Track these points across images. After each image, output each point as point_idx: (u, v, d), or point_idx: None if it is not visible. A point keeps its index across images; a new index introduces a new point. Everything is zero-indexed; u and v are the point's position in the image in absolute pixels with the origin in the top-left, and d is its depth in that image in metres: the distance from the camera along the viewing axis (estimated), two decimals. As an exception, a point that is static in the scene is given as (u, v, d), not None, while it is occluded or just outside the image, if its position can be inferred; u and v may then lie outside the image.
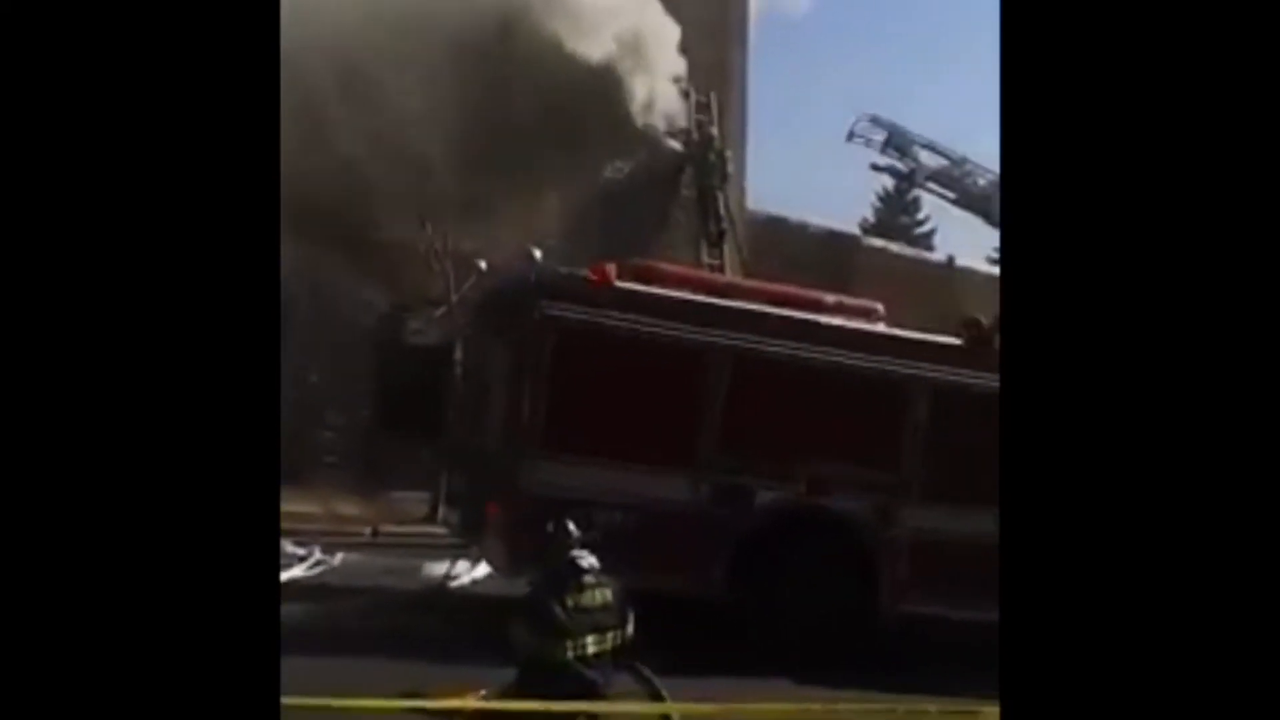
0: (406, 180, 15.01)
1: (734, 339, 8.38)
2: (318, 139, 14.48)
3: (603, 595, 5.45)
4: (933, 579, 8.46)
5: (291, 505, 13.05)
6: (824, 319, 8.88)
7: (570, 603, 5.33)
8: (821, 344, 8.61)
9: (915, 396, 8.75)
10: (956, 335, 9.33)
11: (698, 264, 17.14)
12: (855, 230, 24.58)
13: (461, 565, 10.43)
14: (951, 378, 8.82)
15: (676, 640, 8.25)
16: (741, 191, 20.30)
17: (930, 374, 8.79)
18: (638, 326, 8.12)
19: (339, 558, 11.72)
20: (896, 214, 35.24)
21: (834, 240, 20.90)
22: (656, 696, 7.01)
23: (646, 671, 7.44)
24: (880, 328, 9.26)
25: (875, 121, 22.23)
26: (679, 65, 18.22)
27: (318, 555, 11.55)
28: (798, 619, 8.21)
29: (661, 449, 8.15)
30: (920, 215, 34.53)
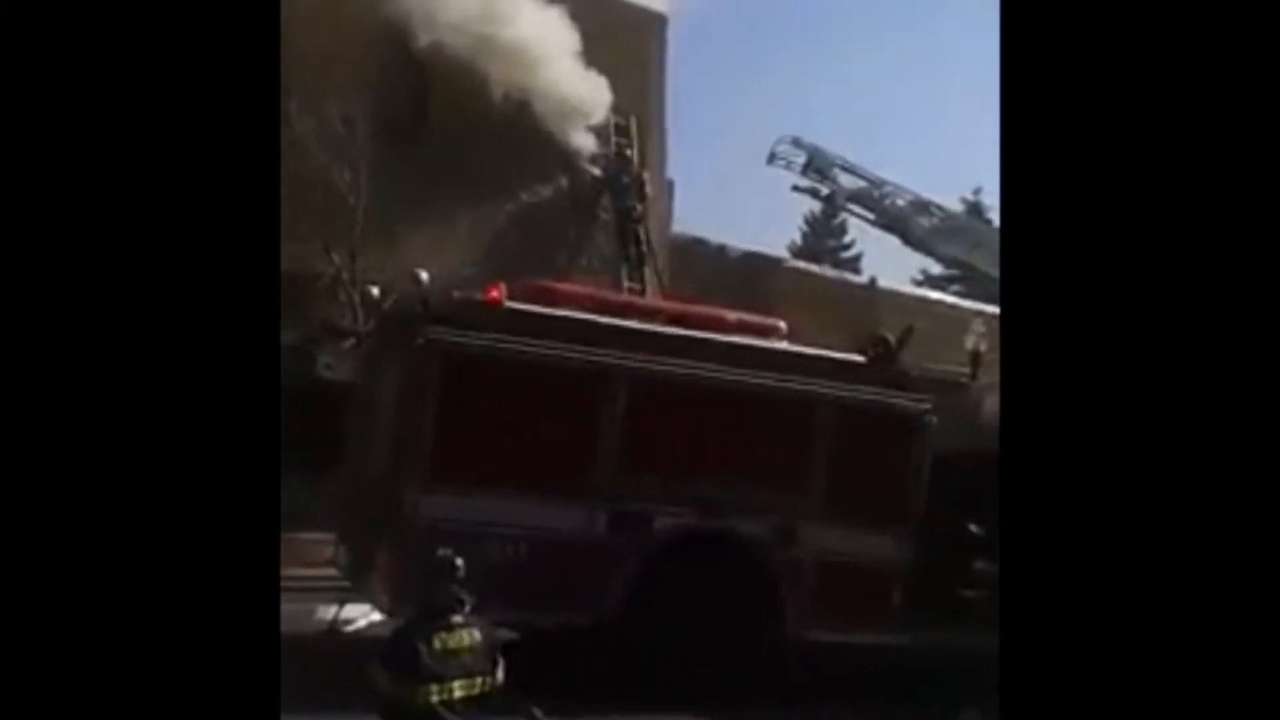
0: (311, 206, 14.66)
1: (629, 359, 8.12)
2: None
3: (471, 636, 5.12)
4: (837, 604, 8.24)
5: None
6: (723, 337, 8.66)
7: (437, 645, 4.99)
8: (721, 362, 8.39)
9: (818, 415, 8.57)
10: (861, 352, 9.19)
11: (617, 287, 16.95)
12: (777, 252, 24.57)
13: (357, 608, 10.01)
14: (855, 395, 8.64)
15: (572, 675, 7.97)
16: (663, 214, 20.18)
17: (833, 392, 8.60)
18: (528, 348, 7.83)
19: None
20: (822, 236, 35.45)
21: (754, 262, 20.83)
22: None
23: (539, 715, 7.15)
24: (783, 345, 9.07)
25: (796, 144, 22.25)
26: (597, 89, 18.12)
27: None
28: (698, 649, 7.93)
29: (555, 475, 7.85)
30: (846, 239, 34.77)
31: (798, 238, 36.20)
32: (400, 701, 4.93)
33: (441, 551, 5.27)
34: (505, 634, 8.94)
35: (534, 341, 7.82)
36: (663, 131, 20.24)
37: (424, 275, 8.06)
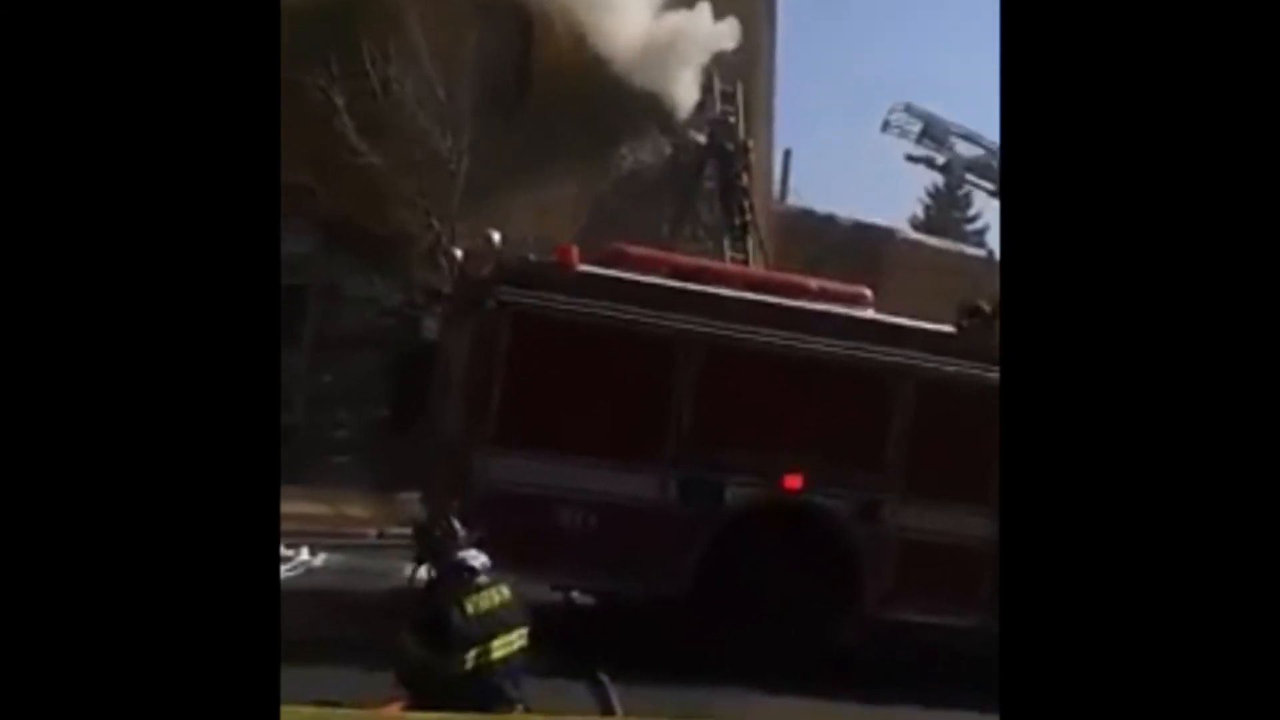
0: (412, 170, 14.87)
1: (705, 326, 7.97)
2: (322, 128, 14.38)
3: (500, 595, 5.09)
4: (918, 583, 7.98)
5: (299, 506, 12.91)
6: (804, 304, 8.42)
7: (470, 608, 4.97)
8: (801, 331, 8.16)
9: (903, 387, 8.27)
10: (956, 323, 8.84)
11: (720, 258, 16.74)
12: (895, 224, 24.00)
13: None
14: (943, 368, 8.32)
15: (640, 646, 7.91)
16: (769, 184, 19.88)
17: (920, 363, 8.29)
18: (602, 313, 7.75)
19: (321, 558, 11.52)
20: (946, 208, 34.49)
21: (864, 233, 20.36)
22: (608, 710, 6.65)
23: (605, 680, 7.11)
24: (868, 314, 8.80)
25: (910, 111, 21.63)
26: (704, 55, 17.87)
27: (302, 557, 11.35)
28: (771, 625, 7.77)
29: (626, 443, 7.76)
30: (971, 211, 33.78)
31: (919, 210, 35.36)
32: (438, 670, 4.92)
33: (445, 516, 5.24)
34: (580, 599, 9.00)
35: (606, 305, 7.73)
36: (770, 99, 19.94)
37: (496, 236, 8.04)
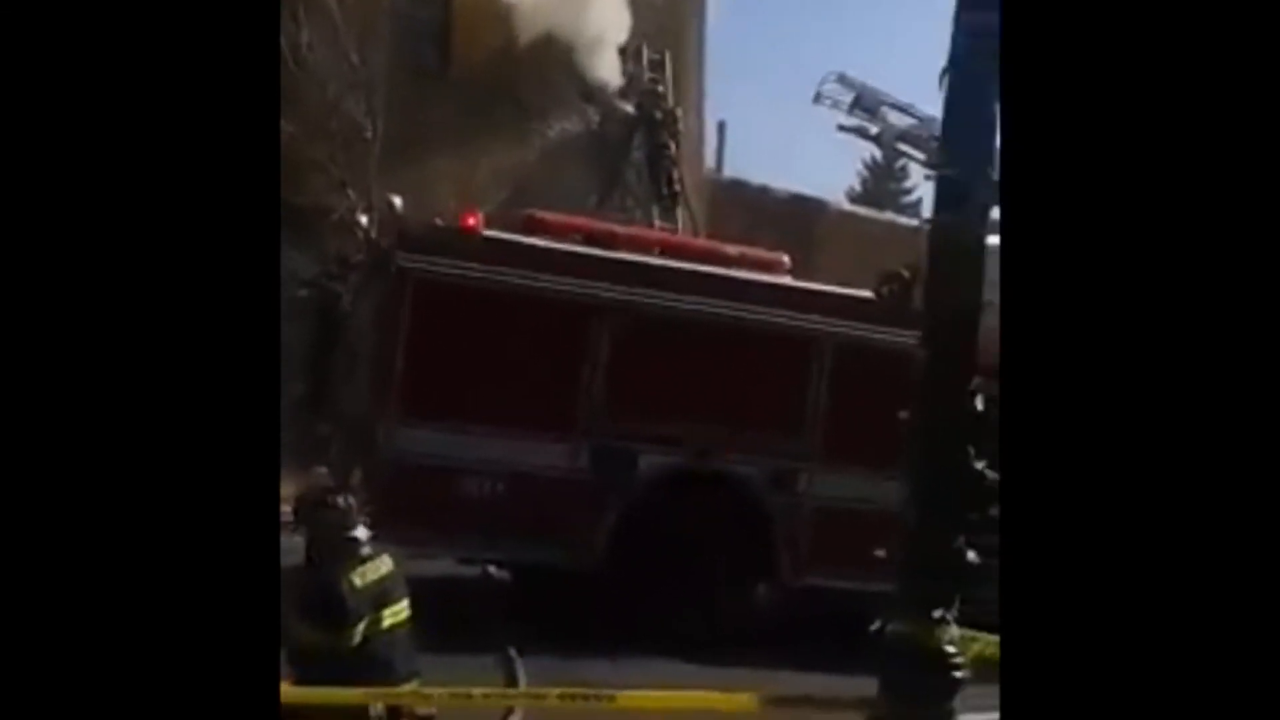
0: (326, 140, 14.55)
1: (618, 292, 7.85)
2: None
3: (385, 564, 4.95)
4: (832, 549, 7.96)
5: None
6: (719, 270, 8.35)
7: (357, 581, 4.83)
8: (717, 297, 8.09)
9: (820, 353, 8.24)
10: (876, 289, 8.81)
11: (649, 227, 16.60)
12: (832, 196, 24.01)
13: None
14: (860, 334, 8.29)
15: (553, 618, 7.82)
16: (699, 153, 19.77)
17: (837, 329, 8.26)
18: (508, 279, 7.61)
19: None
20: (883, 180, 34.66)
21: (798, 204, 20.33)
22: (512, 683, 6.54)
23: (513, 654, 7.00)
24: (785, 281, 8.74)
25: (843, 81, 21.54)
26: (631, 23, 17.67)
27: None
28: (686, 593, 7.71)
29: (536, 411, 7.65)
30: (909, 182, 33.97)
31: (855, 182, 35.49)
32: (327, 648, 4.77)
33: (324, 490, 5.10)
34: (494, 572, 8.89)
35: (513, 271, 7.59)
36: (701, 67, 19.79)
37: (398, 201, 7.85)
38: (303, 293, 15.44)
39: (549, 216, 8.45)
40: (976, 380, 4.13)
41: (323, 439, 9.85)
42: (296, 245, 15.43)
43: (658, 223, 17.17)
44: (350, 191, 14.90)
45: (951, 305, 4.16)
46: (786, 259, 8.97)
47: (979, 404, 4.10)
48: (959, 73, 4.05)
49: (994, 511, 3.62)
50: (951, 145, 4.25)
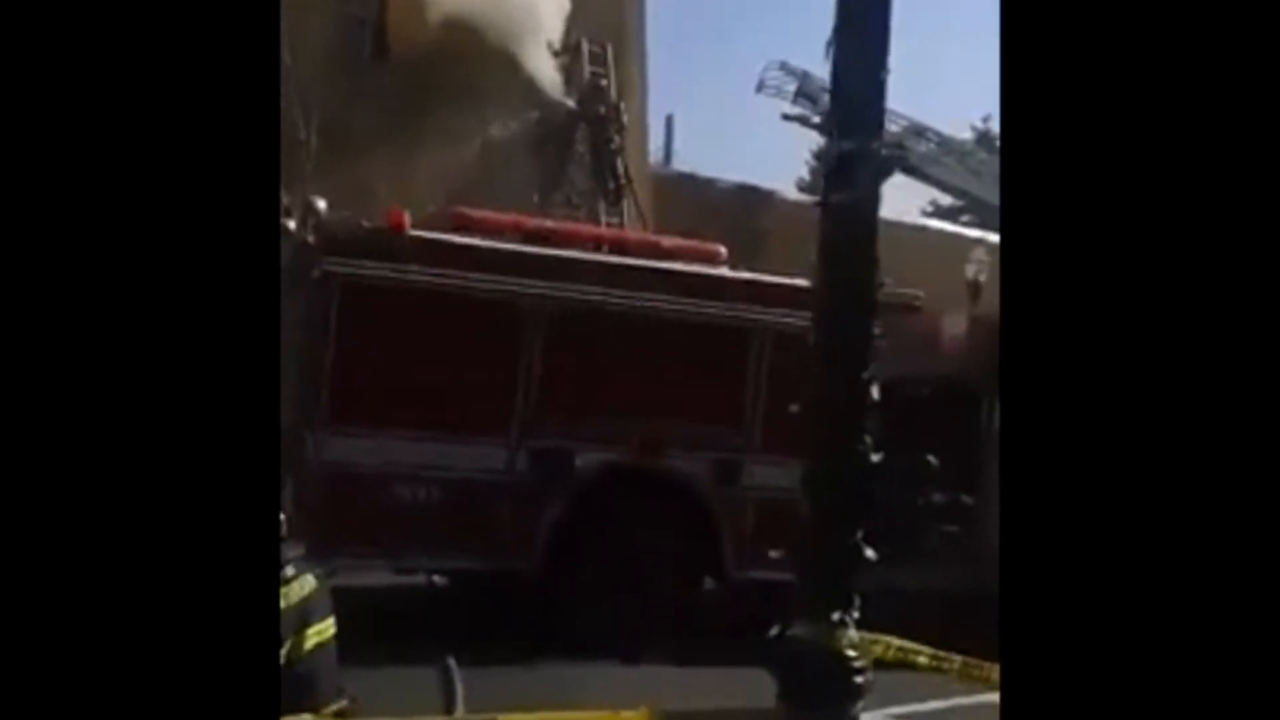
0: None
1: (549, 289, 7.74)
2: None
3: (306, 584, 4.80)
4: (771, 543, 7.88)
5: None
6: (652, 263, 8.25)
7: (281, 602, 4.68)
8: (652, 290, 8.00)
9: (757, 344, 8.16)
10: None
11: (594, 223, 16.49)
12: (782, 187, 23.98)
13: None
14: (801, 323, 8.21)
15: (492, 626, 7.69)
16: (644, 147, 19.67)
17: (775, 320, 8.18)
18: (435, 279, 7.47)
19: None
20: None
21: (746, 195, 20.28)
22: (450, 705, 6.38)
23: (451, 665, 6.86)
24: (720, 271, 8.65)
25: (785, 69, 21.58)
26: (571, 16, 17.54)
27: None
28: (628, 593, 7.61)
29: (469, 413, 7.52)
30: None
31: (805, 171, 35.50)
32: None
33: None
34: (437, 580, 8.74)
35: (438, 270, 7.45)
36: (643, 60, 19.69)
37: (321, 204, 7.69)
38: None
39: (476, 214, 8.32)
40: (873, 366, 4.05)
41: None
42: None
43: (604, 219, 17.06)
44: (284, 194, 14.67)
45: (843, 287, 4.07)
46: (723, 250, 8.88)
47: (874, 392, 4.01)
48: (845, 36, 4.00)
49: (896, 504, 3.51)
50: (840, 117, 4.19)
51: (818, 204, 4.24)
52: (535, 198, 17.13)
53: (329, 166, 14.74)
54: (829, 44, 4.01)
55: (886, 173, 4.00)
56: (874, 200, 4.05)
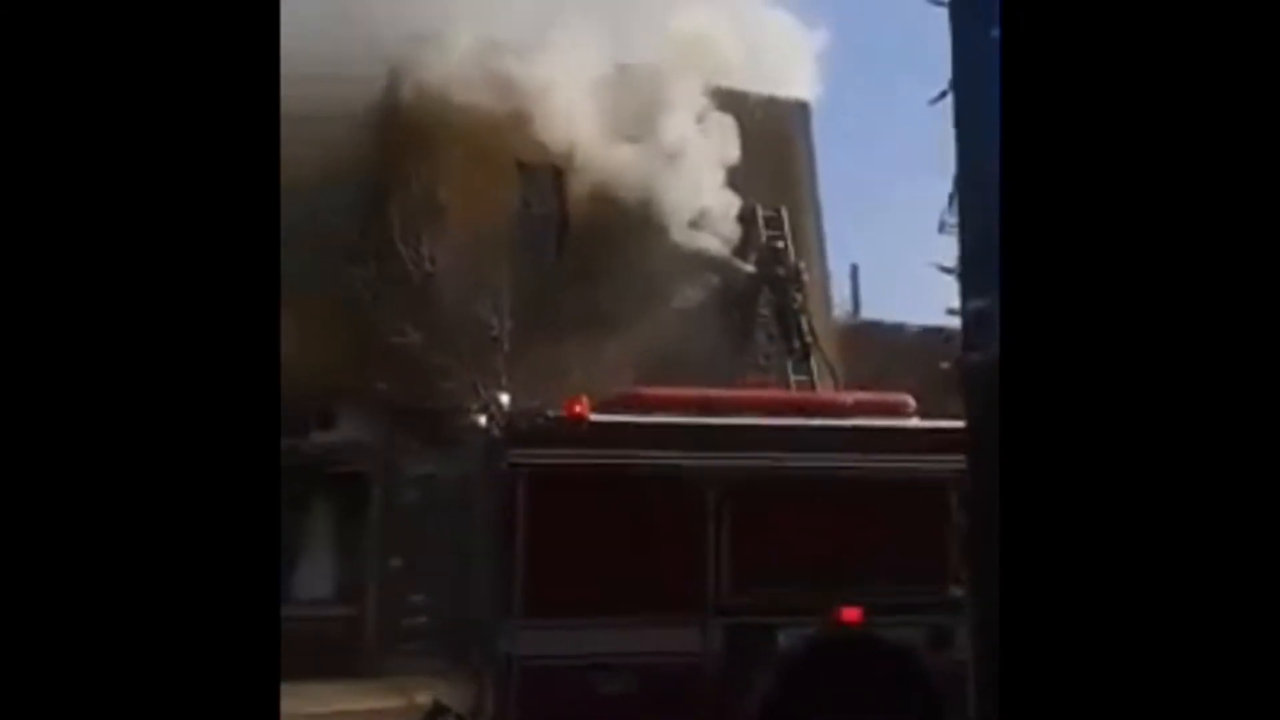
0: (455, 341, 15.02)
1: (731, 459, 7.63)
2: (361, 319, 14.67)
3: None
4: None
5: (372, 700, 12.59)
6: (834, 422, 8.06)
7: None
8: (836, 450, 7.80)
9: (957, 496, 7.76)
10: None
11: (784, 383, 16.37)
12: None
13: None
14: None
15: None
16: (827, 302, 19.58)
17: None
18: (618, 461, 7.49)
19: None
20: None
21: (931, 338, 19.78)
22: None
23: None
24: (912, 423, 8.36)
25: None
26: (743, 182, 17.90)
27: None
28: (845, 773, 7.16)
29: (662, 595, 7.39)
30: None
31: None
32: None
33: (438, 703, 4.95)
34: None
35: (620, 453, 7.48)
36: (819, 214, 19.81)
37: (505, 398, 7.91)
38: (449, 495, 15.71)
39: (651, 392, 8.38)
40: None
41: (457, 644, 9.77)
42: (438, 449, 15.84)
43: (792, 377, 16.93)
44: (481, 390, 15.21)
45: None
46: (910, 400, 8.60)
47: None
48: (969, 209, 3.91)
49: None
50: (969, 280, 4.15)
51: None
52: (724, 364, 17.24)
53: (525, 359, 15.26)
54: (942, 221, 3.98)
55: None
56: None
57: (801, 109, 19.59)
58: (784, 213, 18.19)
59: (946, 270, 4.32)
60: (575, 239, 16.97)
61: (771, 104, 18.73)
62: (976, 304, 4.01)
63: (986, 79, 3.72)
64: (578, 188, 17.07)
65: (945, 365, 4.29)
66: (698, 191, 17.61)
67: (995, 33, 3.59)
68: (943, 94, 4.33)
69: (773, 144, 18.42)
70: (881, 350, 18.97)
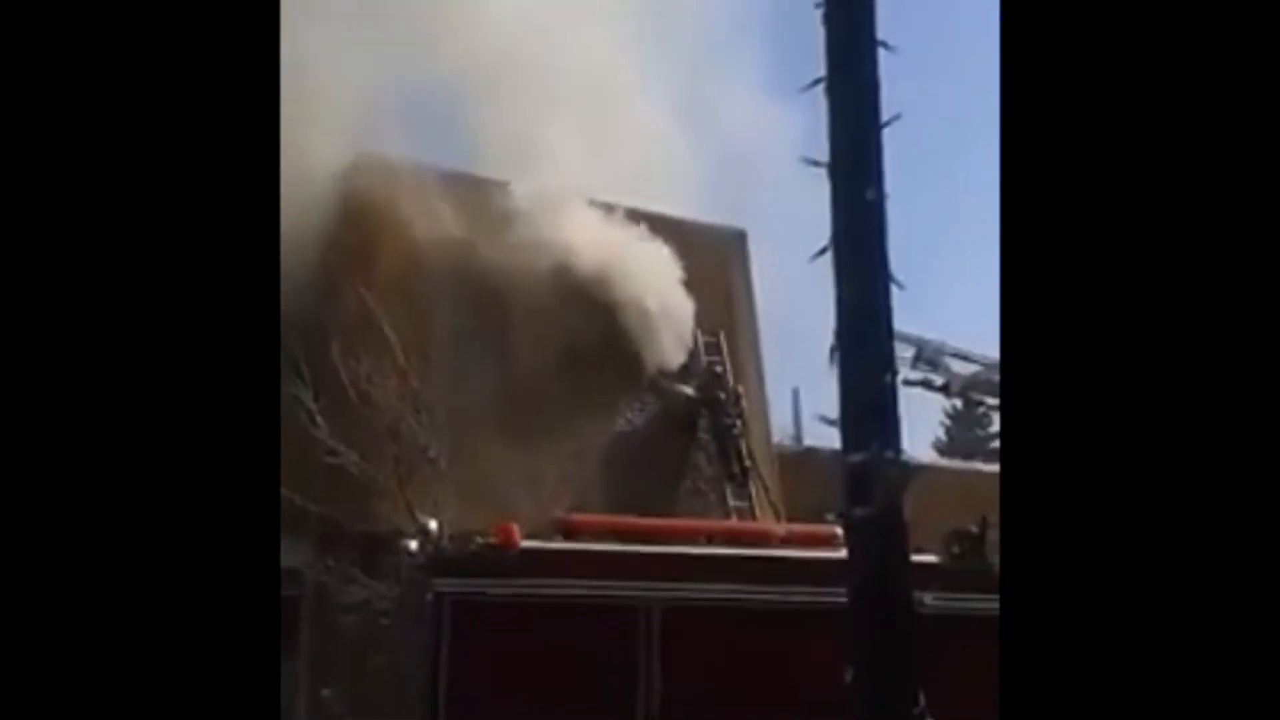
0: (394, 464, 14.90)
1: (664, 589, 7.63)
2: (302, 436, 14.53)
3: None
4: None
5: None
6: (761, 553, 8.16)
7: None
8: (765, 582, 7.85)
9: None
10: (945, 551, 8.45)
11: (724, 509, 16.39)
12: (922, 452, 23.71)
13: None
14: (936, 602, 7.85)
15: None
16: (766, 426, 19.73)
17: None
18: (547, 591, 7.46)
19: None
20: (966, 429, 34.29)
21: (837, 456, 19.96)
22: None
23: None
24: (840, 555, 8.40)
25: (900, 337, 21.71)
26: (682, 308, 18.18)
27: None
28: None
29: (592, 723, 7.30)
30: (993, 428, 33.52)
31: (941, 433, 35.18)
32: None
33: None
34: None
35: (550, 581, 7.45)
36: (756, 340, 20.07)
37: (433, 524, 7.88)
38: (384, 621, 15.38)
39: (580, 519, 8.40)
40: None
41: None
42: (372, 574, 15.56)
43: (731, 503, 16.93)
44: (416, 514, 15.06)
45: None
46: (840, 532, 8.66)
47: None
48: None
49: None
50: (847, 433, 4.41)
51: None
52: (662, 487, 17.24)
53: (461, 482, 15.17)
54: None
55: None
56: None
57: (739, 236, 20.00)
58: (722, 337, 18.49)
59: (829, 422, 4.40)
60: (518, 362, 17.07)
61: (709, 231, 19.18)
62: (856, 459, 4.09)
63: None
64: (516, 311, 17.25)
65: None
66: (639, 312, 17.79)
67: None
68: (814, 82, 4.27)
69: (709, 271, 18.75)
70: (824, 477, 19.11)
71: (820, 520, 10.09)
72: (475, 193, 16.61)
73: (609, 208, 17.27)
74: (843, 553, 8.47)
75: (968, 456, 28.28)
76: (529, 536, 7.81)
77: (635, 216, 17.49)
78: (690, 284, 18.03)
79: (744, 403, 18.10)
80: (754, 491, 17.43)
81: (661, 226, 17.89)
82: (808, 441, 23.34)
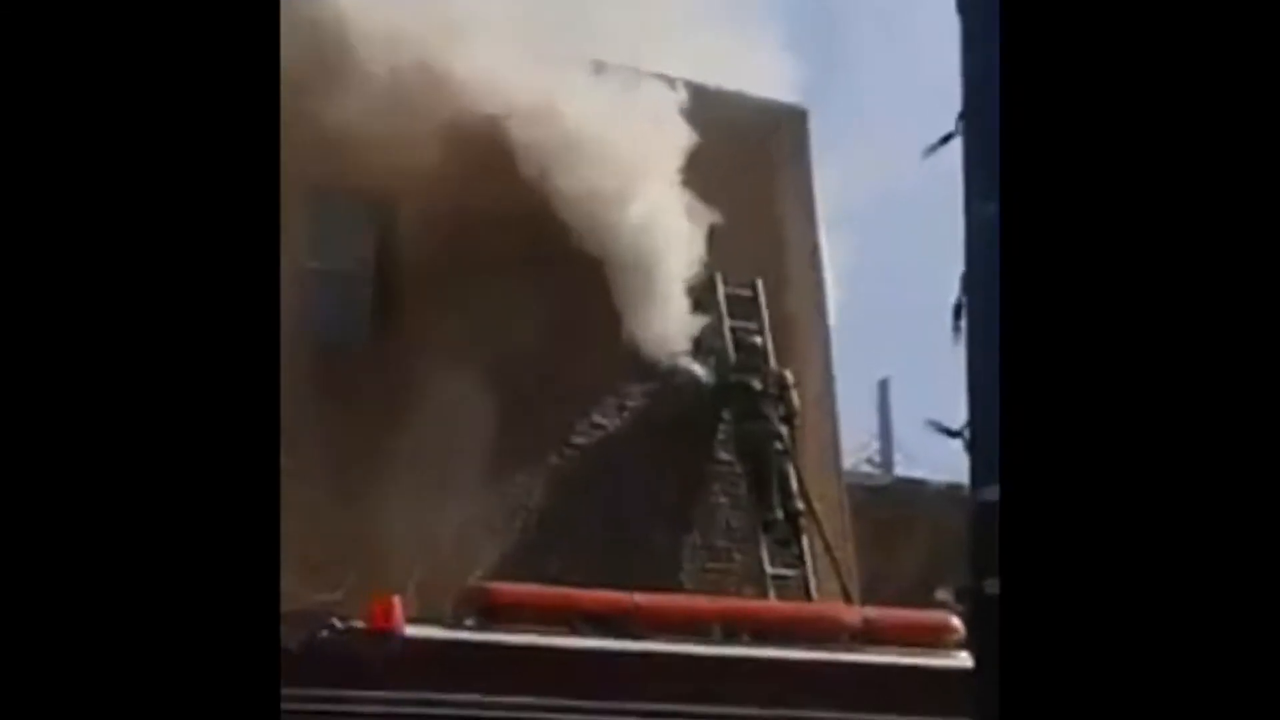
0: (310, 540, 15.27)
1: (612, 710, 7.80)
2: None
3: None
4: None
5: None
6: (836, 656, 8.52)
7: None
8: (837, 706, 8.77)
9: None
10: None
11: (758, 578, 16.03)
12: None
13: None
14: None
15: None
16: (832, 442, 19.19)
17: None
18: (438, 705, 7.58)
19: None
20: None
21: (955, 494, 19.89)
22: None
23: None
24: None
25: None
26: (693, 236, 17.77)
27: None
28: None
29: None
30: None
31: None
32: None
33: None
34: None
35: (447, 694, 7.56)
36: (821, 298, 19.23)
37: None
38: None
39: (506, 590, 8.48)
40: None
41: None
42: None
43: (769, 569, 16.30)
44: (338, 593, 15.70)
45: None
46: (956, 622, 8.63)
47: None
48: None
49: None
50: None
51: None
52: (655, 540, 16.84)
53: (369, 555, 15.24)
54: None
55: None
56: None
57: (797, 116, 19.20)
58: (760, 289, 17.61)
59: (948, 433, 5.02)
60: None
61: (749, 104, 18.48)
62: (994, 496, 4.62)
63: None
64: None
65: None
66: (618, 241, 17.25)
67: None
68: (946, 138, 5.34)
69: (751, 166, 18.10)
70: (933, 528, 18.43)
71: (925, 601, 10.03)
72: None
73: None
74: (965, 658, 8.44)
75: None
76: (420, 618, 7.83)
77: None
78: (710, 190, 17.03)
79: (794, 397, 17.36)
80: (808, 549, 16.80)
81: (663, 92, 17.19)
82: (901, 469, 23.23)
